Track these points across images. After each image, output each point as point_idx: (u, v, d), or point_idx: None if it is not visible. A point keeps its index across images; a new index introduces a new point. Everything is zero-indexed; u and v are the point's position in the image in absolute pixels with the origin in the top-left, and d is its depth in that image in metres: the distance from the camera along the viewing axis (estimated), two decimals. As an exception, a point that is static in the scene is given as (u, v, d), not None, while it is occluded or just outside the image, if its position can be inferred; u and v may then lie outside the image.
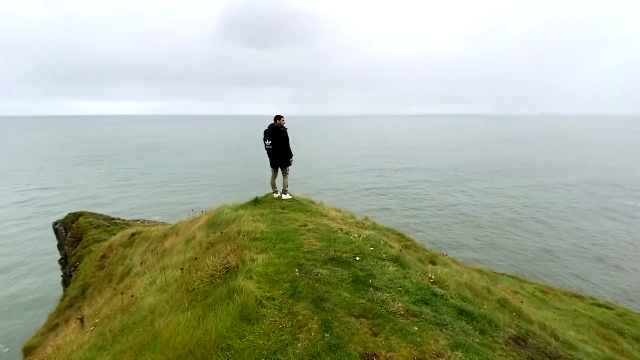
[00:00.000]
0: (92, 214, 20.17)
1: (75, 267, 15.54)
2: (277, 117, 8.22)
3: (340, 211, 8.66)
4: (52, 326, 7.50)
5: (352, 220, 7.93)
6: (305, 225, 6.08)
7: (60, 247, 19.77)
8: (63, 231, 19.95)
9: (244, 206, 7.93)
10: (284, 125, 8.28)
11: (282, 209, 7.39)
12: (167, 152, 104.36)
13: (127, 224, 19.58)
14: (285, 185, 8.41)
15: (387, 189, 53.61)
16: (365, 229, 6.95)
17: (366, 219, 8.81)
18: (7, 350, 19.58)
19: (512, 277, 14.57)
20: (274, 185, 8.68)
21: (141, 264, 6.83)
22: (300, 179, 57.26)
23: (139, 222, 22.10)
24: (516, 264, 27.43)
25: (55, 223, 20.53)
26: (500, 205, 44.07)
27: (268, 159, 8.36)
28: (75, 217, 19.76)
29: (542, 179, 59.09)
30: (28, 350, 7.16)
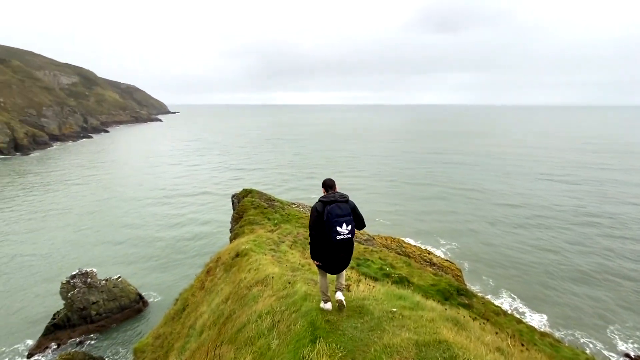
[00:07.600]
0: (258, 192, 22.11)
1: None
2: (330, 185, 4.88)
3: None
4: (158, 335, 7.27)
5: None
6: None
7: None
8: (237, 203, 22.79)
9: None
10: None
11: None
12: (350, 138, 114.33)
13: (282, 207, 20.36)
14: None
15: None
16: None
17: None
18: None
19: None
20: (326, 290, 5.08)
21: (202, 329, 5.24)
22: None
23: (294, 206, 22.96)
24: None
25: (233, 195, 23.76)
26: None
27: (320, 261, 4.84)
28: (246, 193, 22.17)
29: None
30: (137, 353, 7.24)
